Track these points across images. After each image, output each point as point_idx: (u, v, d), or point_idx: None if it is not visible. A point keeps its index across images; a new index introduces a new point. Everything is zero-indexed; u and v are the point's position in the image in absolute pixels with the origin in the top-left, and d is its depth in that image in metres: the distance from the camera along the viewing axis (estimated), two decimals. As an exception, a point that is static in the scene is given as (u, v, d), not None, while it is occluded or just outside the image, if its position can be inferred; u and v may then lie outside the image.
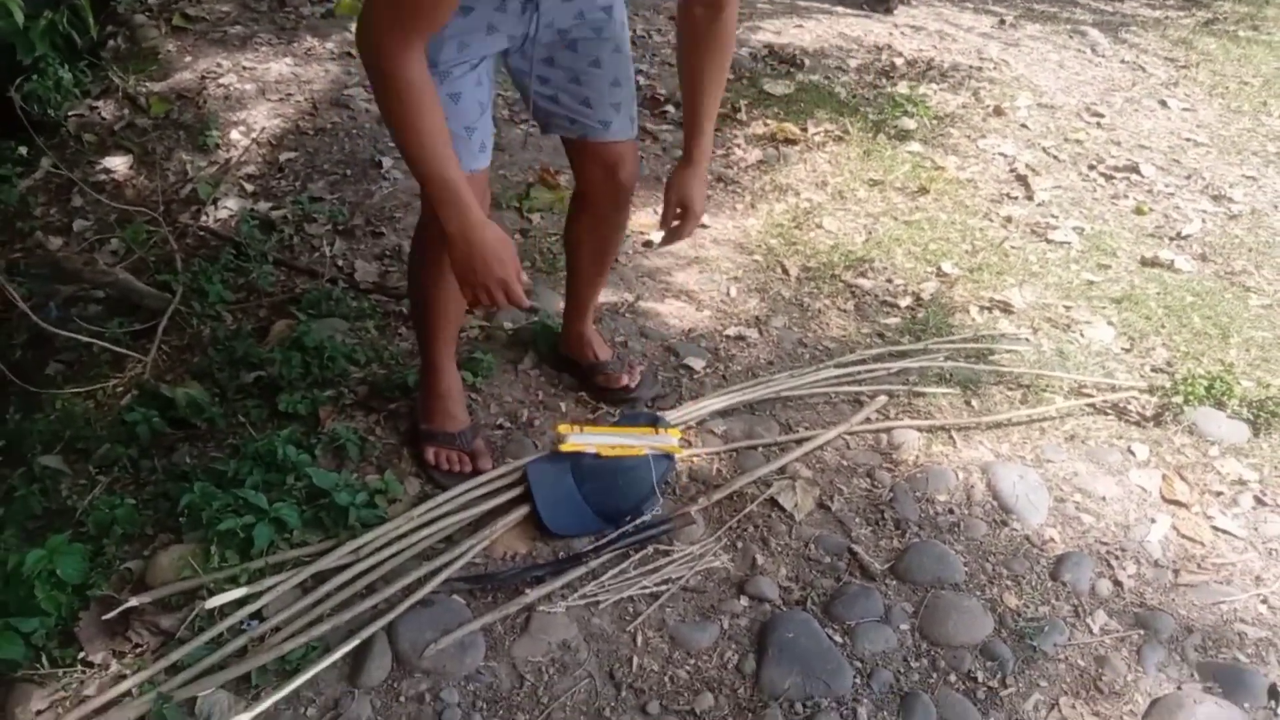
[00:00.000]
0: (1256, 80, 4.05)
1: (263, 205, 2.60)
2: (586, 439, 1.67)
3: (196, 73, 3.16)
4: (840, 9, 4.53)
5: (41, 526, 1.52)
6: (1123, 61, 4.18)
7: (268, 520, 1.43)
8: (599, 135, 1.57)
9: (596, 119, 1.55)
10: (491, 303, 1.30)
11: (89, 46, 3.25)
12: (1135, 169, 3.15)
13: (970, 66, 3.89)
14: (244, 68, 3.18)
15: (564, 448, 1.64)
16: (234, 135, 2.89)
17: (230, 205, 2.59)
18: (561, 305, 2.20)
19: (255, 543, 1.40)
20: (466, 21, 1.36)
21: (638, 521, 1.60)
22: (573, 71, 1.51)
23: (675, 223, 1.61)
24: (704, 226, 2.66)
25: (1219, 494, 1.87)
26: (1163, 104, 3.74)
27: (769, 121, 3.21)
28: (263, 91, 3.09)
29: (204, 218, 2.54)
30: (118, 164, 2.84)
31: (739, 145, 3.07)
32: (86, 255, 2.37)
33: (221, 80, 3.11)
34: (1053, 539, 1.73)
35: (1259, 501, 1.85)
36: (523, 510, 1.60)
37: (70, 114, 3.01)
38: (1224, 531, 1.78)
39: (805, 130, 3.17)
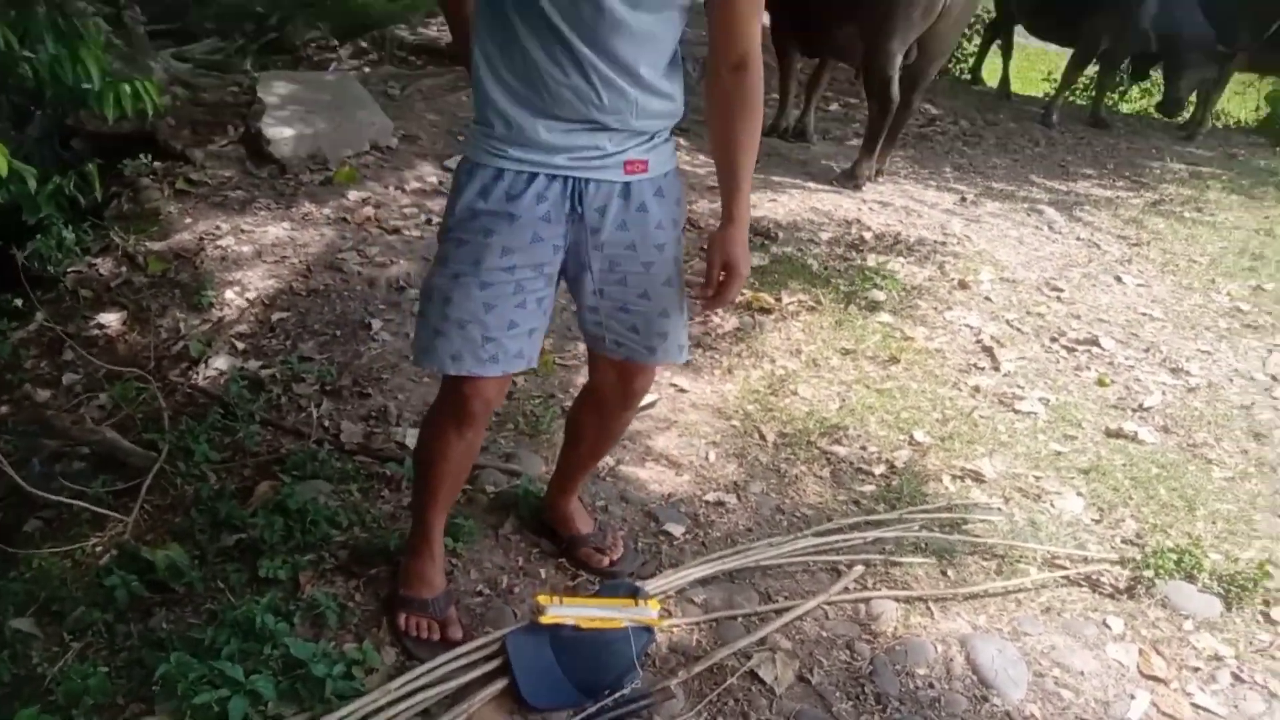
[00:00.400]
0: (1204, 259, 4.30)
1: (253, 364, 2.66)
2: (566, 611, 1.67)
3: (196, 234, 3.28)
4: (812, 184, 4.80)
5: (9, 695, 1.48)
6: (1078, 239, 4.44)
7: (243, 693, 1.41)
8: (643, 359, 1.63)
9: (642, 345, 1.61)
10: None
11: (92, 206, 3.39)
12: (1095, 342, 3.29)
13: (935, 241, 4.11)
14: (242, 230, 3.32)
15: (544, 619, 1.64)
16: (228, 295, 2.98)
17: (220, 364, 2.64)
18: (544, 469, 2.24)
19: (229, 717, 1.37)
20: (512, 230, 1.45)
21: (617, 695, 1.59)
22: (622, 302, 1.57)
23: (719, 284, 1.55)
24: (682, 391, 2.74)
25: (1196, 669, 1.88)
26: (1118, 279, 3.95)
27: (745, 291, 3.35)
28: (259, 253, 3.21)
29: (194, 375, 2.58)
30: (111, 320, 2.91)
31: (716, 313, 3.20)
32: (74, 414, 2.40)
33: (220, 242, 3.23)
34: (1033, 715, 1.72)
35: (1237, 678, 1.86)
36: (501, 683, 1.58)
37: (69, 270, 3.10)
38: (1204, 709, 1.78)
39: (780, 300, 3.31)
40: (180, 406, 2.45)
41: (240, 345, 2.77)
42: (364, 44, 6.09)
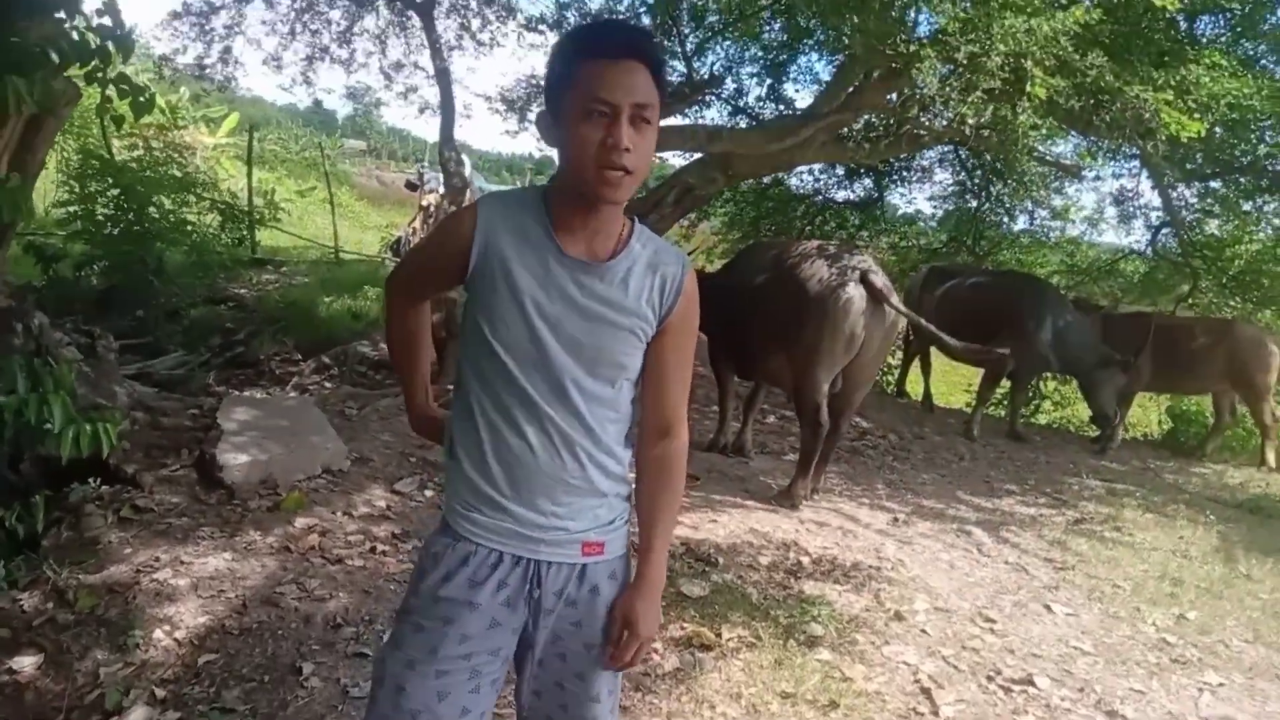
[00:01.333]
0: (1127, 584, 4.45)
1: (171, 715, 2.55)
2: None
3: (133, 566, 3.25)
4: (751, 503, 4.98)
5: None
6: (1006, 562, 4.59)
7: None
8: None
9: None
10: None
11: (31, 535, 3.37)
12: (1030, 681, 3.32)
13: (870, 566, 4.22)
14: (181, 562, 3.30)
15: None
16: (157, 634, 2.91)
17: (136, 716, 2.53)
18: None
19: None
20: (472, 618, 1.52)
21: None
22: (558, 678, 1.62)
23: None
24: (621, 744, 2.67)
25: None
26: (1048, 608, 4.04)
27: (686, 625, 3.37)
28: (195, 587, 3.17)
29: (107, 732, 2.47)
30: (26, 664, 2.79)
31: (656, 650, 3.19)
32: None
33: (156, 575, 3.20)
34: None
35: None
36: None
37: (-8, 607, 3.02)
38: None
39: (720, 635, 3.32)
40: (87, 772, 2.32)
41: (160, 693, 2.67)
42: (326, 359, 6.41)
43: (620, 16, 7.14)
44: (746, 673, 3.13)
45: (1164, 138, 4.78)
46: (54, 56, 3.04)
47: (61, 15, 3.17)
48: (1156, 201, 8.97)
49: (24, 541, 3.30)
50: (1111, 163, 8.07)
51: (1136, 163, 8.10)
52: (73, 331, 4.45)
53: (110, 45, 3.21)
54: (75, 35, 3.14)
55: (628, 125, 1.43)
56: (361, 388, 5.80)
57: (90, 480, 3.74)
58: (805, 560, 4.21)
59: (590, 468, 1.57)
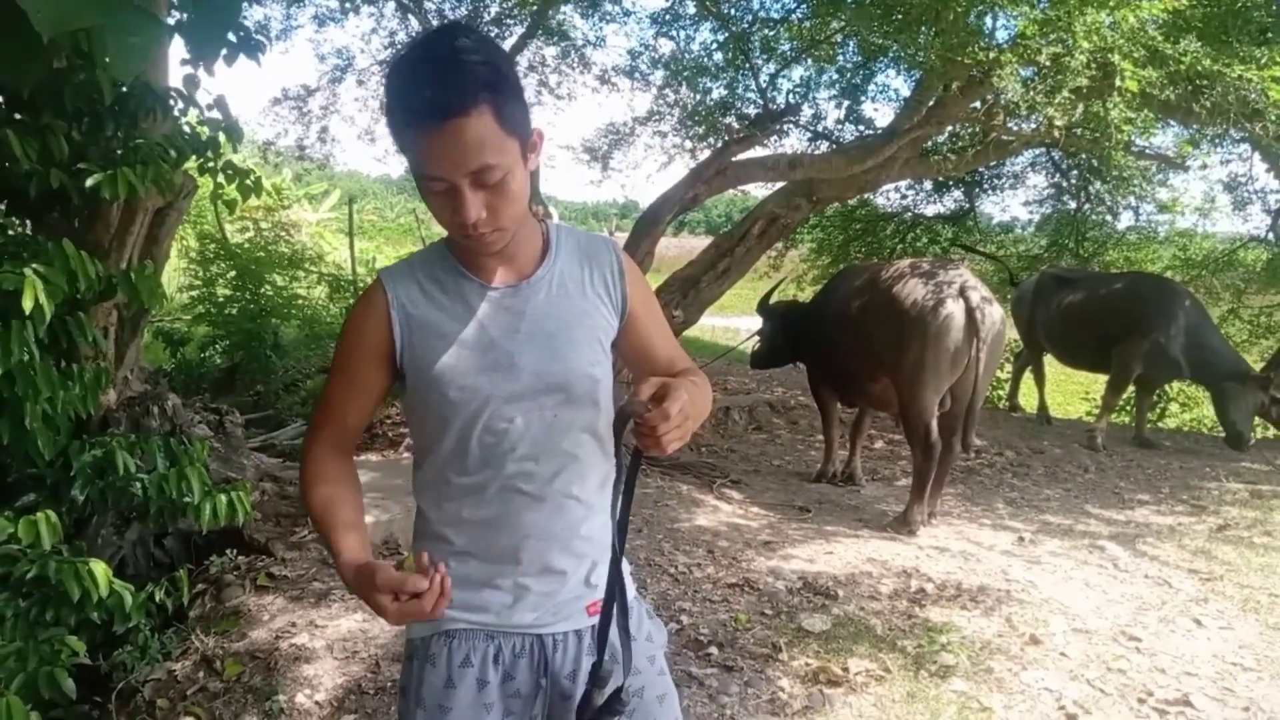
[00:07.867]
0: (1284, 592, 4.16)
1: (318, 776, 2.64)
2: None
3: (272, 631, 3.40)
4: (866, 532, 4.87)
5: None
6: (1147, 576, 4.34)
7: None
8: None
9: None
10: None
11: (177, 607, 3.56)
12: (1188, 701, 3.12)
13: (999, 589, 4.06)
14: (316, 625, 3.43)
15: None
16: (299, 698, 3.02)
17: (287, 779, 2.63)
18: None
19: None
20: None
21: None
22: None
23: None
24: (756, 787, 2.62)
25: None
26: (1198, 623, 3.80)
27: (810, 660, 3.31)
28: (330, 648, 3.29)
29: (260, 796, 2.57)
30: (185, 732, 2.95)
31: (783, 689, 3.14)
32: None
33: (295, 640, 3.33)
34: None
35: None
36: None
37: (148, 679, 3.20)
38: None
39: (847, 670, 3.25)
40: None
41: (307, 755, 2.77)
42: (434, 418, 6.58)
43: (690, 56, 7.19)
44: (879, 708, 3.04)
45: (1275, 117, 4.52)
46: (173, 153, 3.27)
47: (177, 114, 3.41)
48: (1274, 184, 8.49)
49: (172, 615, 3.48)
50: (1218, 149, 7.66)
51: (1246, 146, 7.69)
52: (202, 410, 4.72)
53: (220, 136, 3.44)
54: (188, 130, 3.38)
55: (470, 193, 1.28)
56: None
57: (228, 552, 3.94)
58: (928, 587, 4.08)
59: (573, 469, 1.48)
